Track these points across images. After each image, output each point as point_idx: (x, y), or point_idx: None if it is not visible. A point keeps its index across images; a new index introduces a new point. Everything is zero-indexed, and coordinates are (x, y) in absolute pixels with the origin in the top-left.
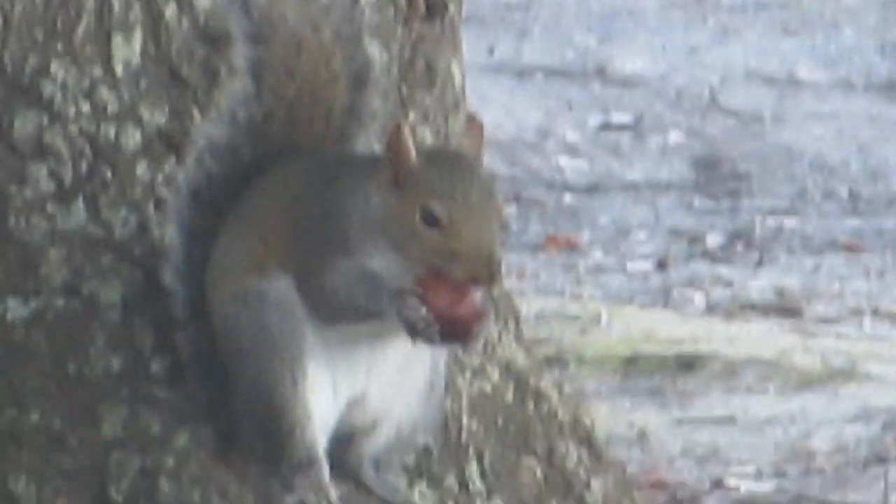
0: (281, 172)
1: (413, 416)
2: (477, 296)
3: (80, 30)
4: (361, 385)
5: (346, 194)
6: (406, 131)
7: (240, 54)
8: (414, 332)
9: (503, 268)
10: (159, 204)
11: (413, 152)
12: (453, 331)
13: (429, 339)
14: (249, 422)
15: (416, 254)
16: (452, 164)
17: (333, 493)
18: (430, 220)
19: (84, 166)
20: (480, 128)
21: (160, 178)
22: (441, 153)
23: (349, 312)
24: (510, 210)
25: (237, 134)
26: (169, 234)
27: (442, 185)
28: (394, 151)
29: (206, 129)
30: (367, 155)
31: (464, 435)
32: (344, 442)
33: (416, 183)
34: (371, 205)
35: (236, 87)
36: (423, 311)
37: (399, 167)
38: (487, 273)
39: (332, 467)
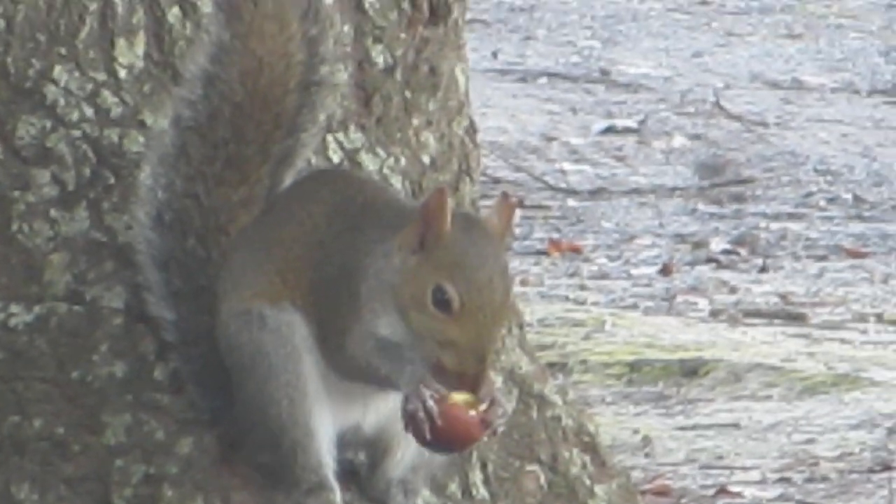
0: (309, 202)
1: None
2: (479, 412)
3: (84, 34)
4: (356, 417)
5: (368, 246)
6: (447, 198)
7: (195, 62)
8: (410, 423)
9: (490, 373)
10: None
11: (448, 222)
12: (445, 441)
13: (417, 437)
14: (253, 437)
15: (418, 327)
16: (479, 249)
17: None
18: (440, 302)
19: (87, 171)
20: (513, 207)
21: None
22: (473, 230)
23: (368, 379)
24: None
25: (183, 137)
26: (143, 268)
27: (462, 270)
28: (430, 214)
29: (154, 141)
30: (399, 204)
31: None
32: (368, 467)
33: (439, 254)
34: (389, 263)
35: (183, 91)
36: (431, 404)
37: (429, 231)
38: (472, 376)
39: (360, 494)
